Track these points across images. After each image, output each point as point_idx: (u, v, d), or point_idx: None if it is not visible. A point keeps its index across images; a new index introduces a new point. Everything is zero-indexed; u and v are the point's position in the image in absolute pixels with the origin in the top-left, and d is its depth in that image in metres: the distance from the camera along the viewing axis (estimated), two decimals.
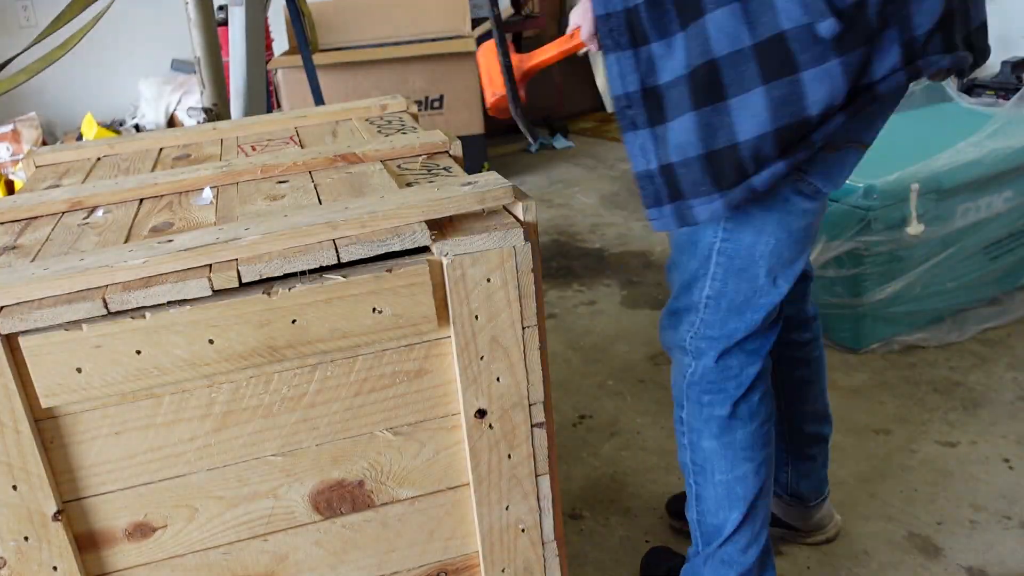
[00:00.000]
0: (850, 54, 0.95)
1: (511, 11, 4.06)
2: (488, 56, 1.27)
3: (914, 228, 2.00)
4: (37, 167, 1.26)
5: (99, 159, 1.27)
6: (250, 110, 2.12)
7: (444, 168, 1.06)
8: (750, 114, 0.97)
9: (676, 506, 1.63)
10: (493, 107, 1.28)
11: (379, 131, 1.25)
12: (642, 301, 2.58)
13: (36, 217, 1.04)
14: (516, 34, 4.24)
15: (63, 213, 1.04)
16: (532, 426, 0.94)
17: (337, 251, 0.83)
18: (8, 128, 3.65)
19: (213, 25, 2.07)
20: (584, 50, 1.22)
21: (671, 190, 1.04)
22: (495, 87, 1.25)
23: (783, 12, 0.94)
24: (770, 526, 1.57)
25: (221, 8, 2.59)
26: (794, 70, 0.95)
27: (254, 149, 1.22)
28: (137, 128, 4.00)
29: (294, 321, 0.82)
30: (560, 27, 4.84)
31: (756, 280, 1.15)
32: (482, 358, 0.89)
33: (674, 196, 1.05)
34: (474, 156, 3.58)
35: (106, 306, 0.78)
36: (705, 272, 1.16)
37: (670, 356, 1.30)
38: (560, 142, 4.30)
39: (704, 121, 0.99)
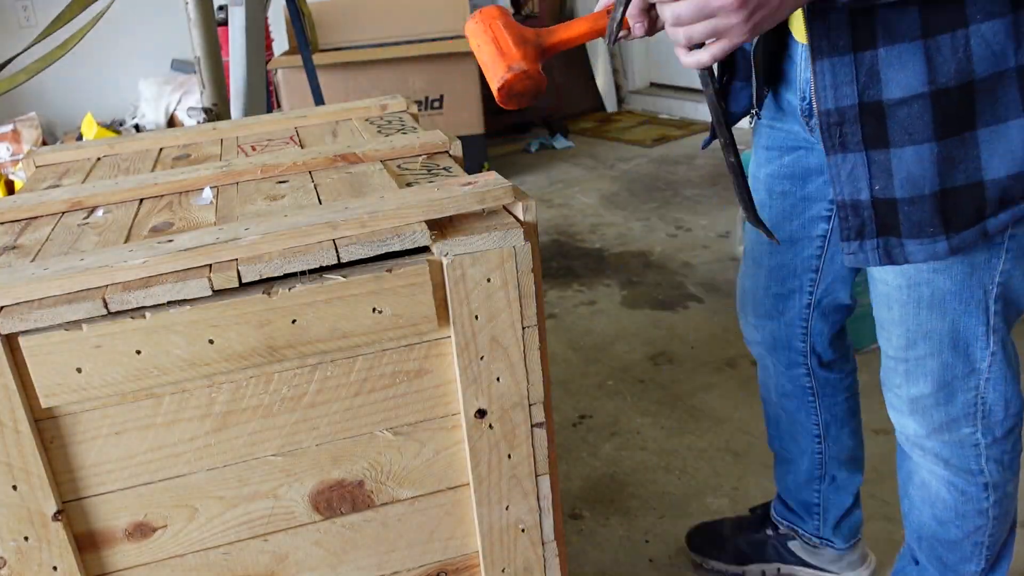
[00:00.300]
0: None
1: (511, 11, 4.06)
2: (493, 26, 1.00)
3: None
4: (37, 167, 1.26)
5: (99, 159, 1.27)
6: (250, 110, 2.12)
7: (444, 168, 1.06)
8: (1003, 149, 0.85)
9: (698, 540, 1.53)
10: (507, 87, 0.98)
11: (379, 131, 1.25)
12: (642, 301, 2.58)
13: (36, 217, 1.04)
14: None
15: (63, 213, 1.04)
16: (532, 426, 0.94)
17: (337, 251, 0.83)
18: (8, 128, 3.65)
19: (213, 25, 2.07)
20: (623, 35, 1.00)
21: (882, 225, 0.89)
22: (509, 59, 0.98)
23: None
24: (798, 564, 1.46)
25: (221, 8, 2.59)
26: None
27: (254, 149, 1.22)
28: (137, 128, 4.00)
29: (294, 321, 0.82)
30: None
31: (1020, 306, 1.02)
32: (482, 358, 0.89)
33: (884, 231, 0.90)
34: (474, 156, 3.58)
35: (106, 306, 0.78)
36: (987, 326, 1.00)
37: (915, 440, 1.14)
38: (560, 142, 4.30)
39: (946, 154, 0.85)
